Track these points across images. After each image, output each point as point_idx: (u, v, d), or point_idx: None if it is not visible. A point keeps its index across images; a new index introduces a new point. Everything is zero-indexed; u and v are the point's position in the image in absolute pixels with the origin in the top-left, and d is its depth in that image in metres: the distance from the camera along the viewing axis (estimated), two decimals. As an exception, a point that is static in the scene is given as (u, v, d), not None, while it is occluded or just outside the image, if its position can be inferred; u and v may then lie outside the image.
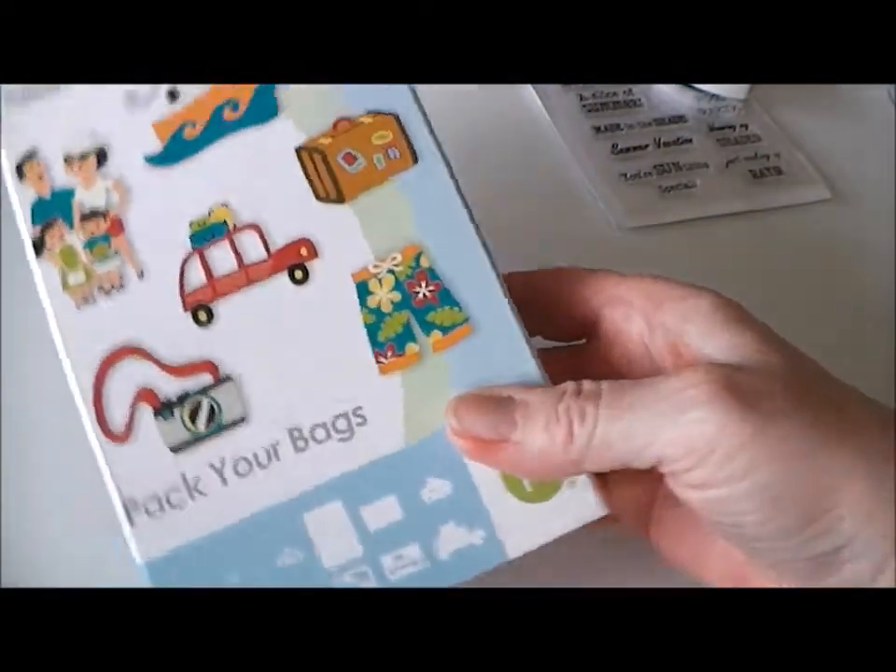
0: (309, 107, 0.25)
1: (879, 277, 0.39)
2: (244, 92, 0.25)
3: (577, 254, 0.37)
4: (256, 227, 0.24)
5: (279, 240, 0.24)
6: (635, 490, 0.26)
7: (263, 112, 0.25)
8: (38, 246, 0.24)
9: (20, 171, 0.25)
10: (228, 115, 0.25)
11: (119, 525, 0.24)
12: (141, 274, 0.24)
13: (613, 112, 0.44)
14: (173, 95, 0.25)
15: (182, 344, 0.24)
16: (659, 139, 0.43)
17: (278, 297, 0.24)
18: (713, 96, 0.45)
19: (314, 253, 0.24)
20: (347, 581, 0.23)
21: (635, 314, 0.25)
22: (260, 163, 0.25)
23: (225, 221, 0.24)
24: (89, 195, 0.25)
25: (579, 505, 0.23)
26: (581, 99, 0.44)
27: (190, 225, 0.24)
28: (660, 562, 0.26)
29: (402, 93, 0.26)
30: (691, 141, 0.43)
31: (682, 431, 0.21)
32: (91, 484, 0.30)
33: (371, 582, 0.23)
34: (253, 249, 0.24)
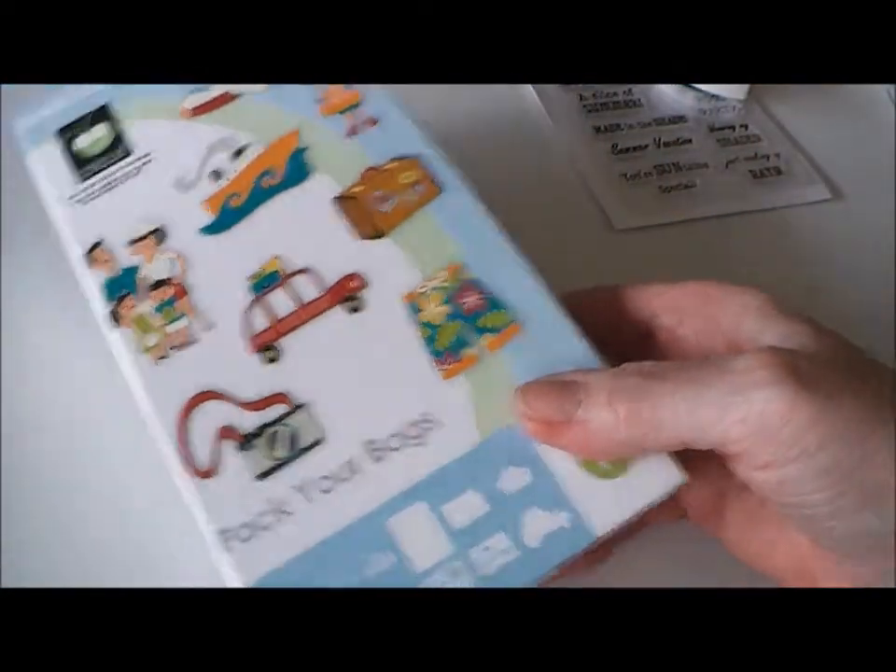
0: (339, 164, 0.28)
1: (879, 277, 0.39)
2: (279, 161, 0.29)
3: (577, 254, 0.38)
4: (307, 270, 0.27)
5: (330, 278, 0.27)
6: (704, 484, 0.27)
7: (298, 174, 0.28)
8: (114, 318, 0.27)
9: (88, 259, 0.28)
10: (267, 182, 0.28)
11: (114, 523, 0.24)
12: (209, 328, 0.26)
13: (613, 112, 0.44)
14: (216, 175, 0.29)
15: (255, 382, 0.25)
16: (659, 139, 0.43)
17: (337, 327, 0.26)
18: (713, 96, 0.45)
19: (364, 284, 0.27)
20: (440, 579, 0.23)
21: (688, 317, 0.26)
22: (303, 217, 0.28)
23: (278, 270, 0.27)
24: (153, 268, 0.27)
25: (658, 475, 0.24)
26: (581, 99, 0.44)
27: (248, 278, 0.27)
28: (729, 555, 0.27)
29: (420, 139, 0.29)
30: (691, 141, 0.43)
31: (752, 409, 0.21)
32: (91, 484, 0.30)
33: (463, 578, 0.23)
34: (308, 290, 0.27)
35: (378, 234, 0.27)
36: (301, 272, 0.27)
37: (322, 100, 0.30)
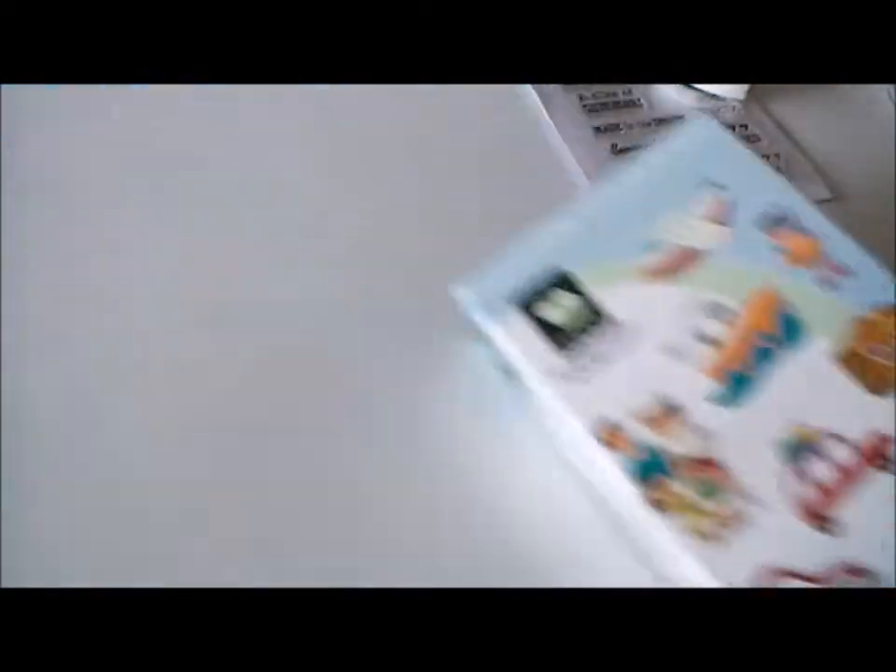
0: (826, 318, 0.29)
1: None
2: (768, 321, 0.29)
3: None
4: (834, 434, 0.27)
5: (857, 439, 0.27)
6: None
7: (794, 336, 0.29)
8: (651, 502, 0.26)
9: (600, 439, 0.27)
10: (764, 345, 0.29)
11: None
12: (755, 503, 0.26)
13: (613, 112, 0.44)
14: (705, 339, 0.29)
15: (816, 554, 0.25)
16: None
17: (877, 488, 0.26)
18: (713, 96, 0.45)
19: (893, 442, 0.27)
20: None
21: None
22: (811, 379, 0.28)
23: (805, 436, 0.27)
24: (678, 445, 0.27)
25: None
26: (581, 99, 0.44)
27: (778, 448, 0.27)
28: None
29: (894, 285, 0.30)
30: (691, 141, 0.43)
31: None
32: (92, 483, 0.30)
33: None
34: (839, 454, 0.27)
35: (887, 389, 0.28)
36: (827, 436, 0.27)
37: (783, 251, 0.30)
